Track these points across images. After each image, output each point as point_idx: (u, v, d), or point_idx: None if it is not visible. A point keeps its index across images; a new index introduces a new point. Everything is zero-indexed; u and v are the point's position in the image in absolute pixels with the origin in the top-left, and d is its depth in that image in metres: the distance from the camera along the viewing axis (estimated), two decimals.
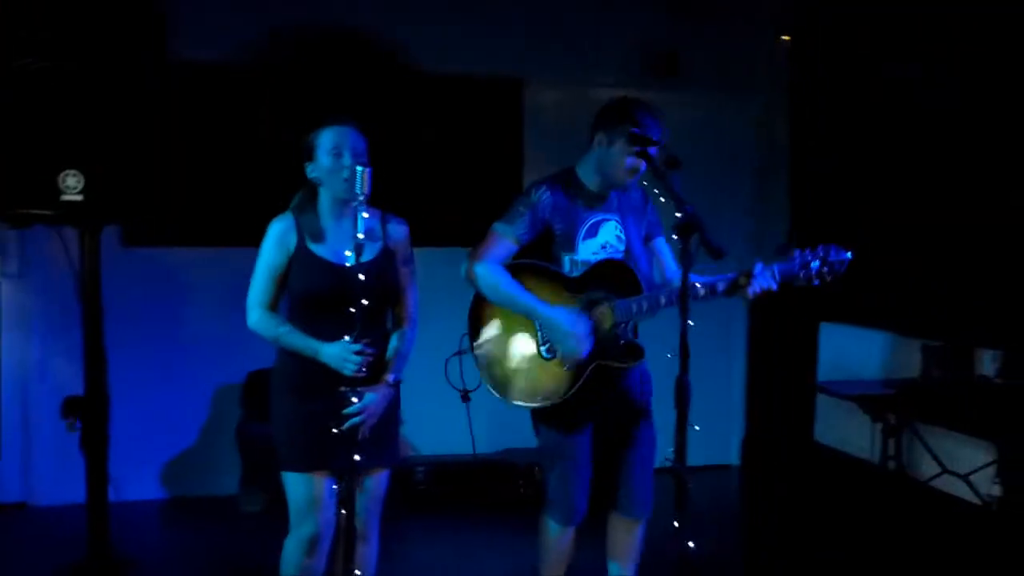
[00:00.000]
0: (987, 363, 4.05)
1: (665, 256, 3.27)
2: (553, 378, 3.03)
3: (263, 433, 4.86)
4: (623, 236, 3.13)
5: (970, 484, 3.94)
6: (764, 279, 2.91)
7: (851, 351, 4.97)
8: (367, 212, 2.69)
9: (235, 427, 5.08)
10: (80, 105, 2.13)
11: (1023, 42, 4.16)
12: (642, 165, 2.98)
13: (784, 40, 5.77)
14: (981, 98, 4.43)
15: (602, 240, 3.11)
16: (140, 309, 5.06)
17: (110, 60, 2.17)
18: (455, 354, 4.82)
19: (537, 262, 3.09)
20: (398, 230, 2.97)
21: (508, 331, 3.10)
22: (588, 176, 3.12)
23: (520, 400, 3.07)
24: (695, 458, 2.65)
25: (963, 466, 4.04)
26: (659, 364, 3.11)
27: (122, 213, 2.21)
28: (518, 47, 5.48)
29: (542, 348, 3.05)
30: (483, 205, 5.46)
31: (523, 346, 3.08)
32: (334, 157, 2.80)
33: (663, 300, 2.95)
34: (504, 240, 3.05)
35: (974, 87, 4.46)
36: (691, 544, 2.61)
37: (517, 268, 3.06)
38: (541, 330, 3.06)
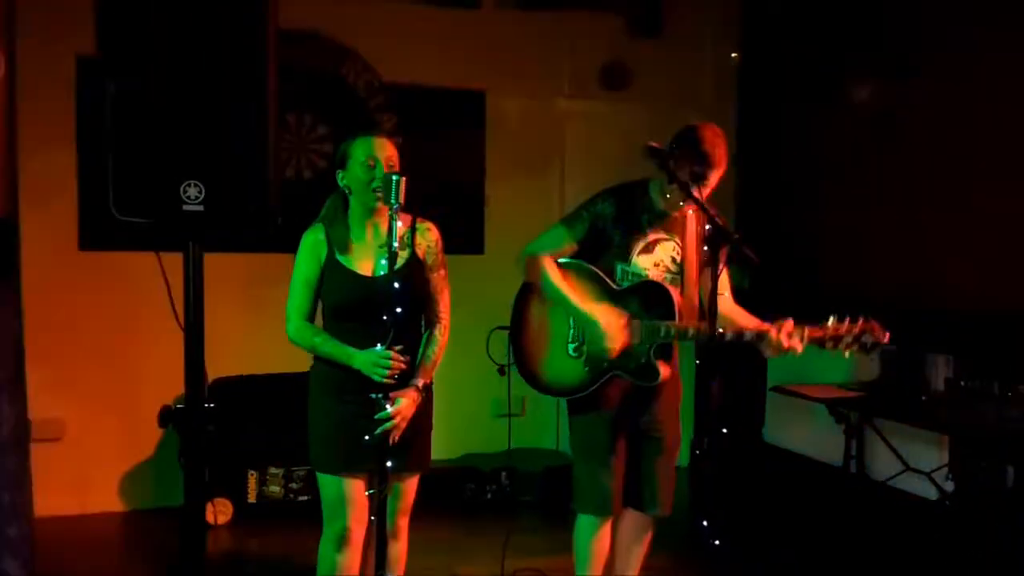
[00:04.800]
0: (941, 366, 4.30)
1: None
2: (574, 375, 3.19)
3: (226, 441, 4.81)
4: (680, 259, 3.21)
5: (933, 480, 4.18)
6: (793, 339, 2.97)
7: (809, 357, 5.18)
8: (401, 221, 2.71)
9: None
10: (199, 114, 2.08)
11: None
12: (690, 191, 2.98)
13: (733, 57, 6.03)
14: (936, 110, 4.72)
15: (657, 258, 3.19)
16: (96, 315, 4.94)
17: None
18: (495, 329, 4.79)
19: (588, 266, 3.22)
20: (428, 235, 3.01)
21: (546, 323, 3.27)
22: (656, 194, 3.19)
23: (542, 387, 3.27)
24: None
25: (923, 466, 4.28)
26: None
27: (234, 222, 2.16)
28: (481, 61, 5.66)
29: (570, 345, 3.21)
30: (448, 210, 5.61)
31: (555, 340, 3.23)
32: (367, 168, 2.83)
33: (691, 333, 3.06)
34: (562, 238, 3.20)
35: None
36: (717, 542, 2.76)
37: (569, 265, 3.22)
38: (574, 328, 3.20)
